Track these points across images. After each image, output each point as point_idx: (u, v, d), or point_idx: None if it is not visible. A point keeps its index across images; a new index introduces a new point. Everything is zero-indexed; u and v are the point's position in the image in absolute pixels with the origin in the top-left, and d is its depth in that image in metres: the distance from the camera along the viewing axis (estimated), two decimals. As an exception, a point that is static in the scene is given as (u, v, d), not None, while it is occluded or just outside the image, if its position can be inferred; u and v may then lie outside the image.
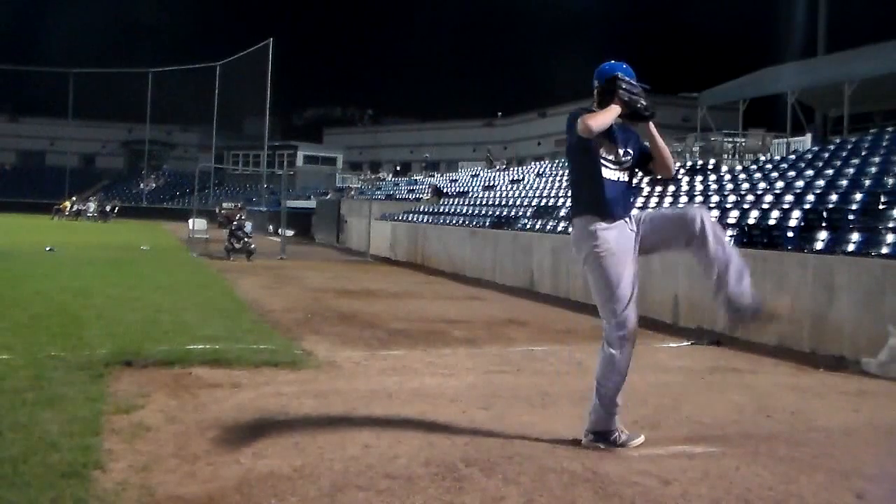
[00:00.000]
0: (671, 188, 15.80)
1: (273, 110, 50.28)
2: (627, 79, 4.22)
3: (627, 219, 4.19)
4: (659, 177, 4.30)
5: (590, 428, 4.23)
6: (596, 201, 4.14)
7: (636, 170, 4.42)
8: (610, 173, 4.19)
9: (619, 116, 4.18)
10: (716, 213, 12.08)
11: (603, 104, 4.20)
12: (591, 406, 4.23)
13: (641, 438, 4.26)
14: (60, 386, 5.06)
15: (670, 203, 14.17)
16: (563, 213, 16.86)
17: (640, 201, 15.14)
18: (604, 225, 4.10)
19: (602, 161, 4.18)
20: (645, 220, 4.25)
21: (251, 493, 3.39)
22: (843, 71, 23.14)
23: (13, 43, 64.29)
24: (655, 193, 15.58)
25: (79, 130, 61.87)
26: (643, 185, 17.40)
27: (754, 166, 16.62)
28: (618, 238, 4.11)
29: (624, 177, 4.26)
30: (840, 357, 7.52)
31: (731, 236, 10.68)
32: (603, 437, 4.19)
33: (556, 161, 32.01)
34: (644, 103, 4.21)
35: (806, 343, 8.07)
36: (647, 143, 4.37)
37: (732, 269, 4.07)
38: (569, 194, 18.53)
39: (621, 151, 4.24)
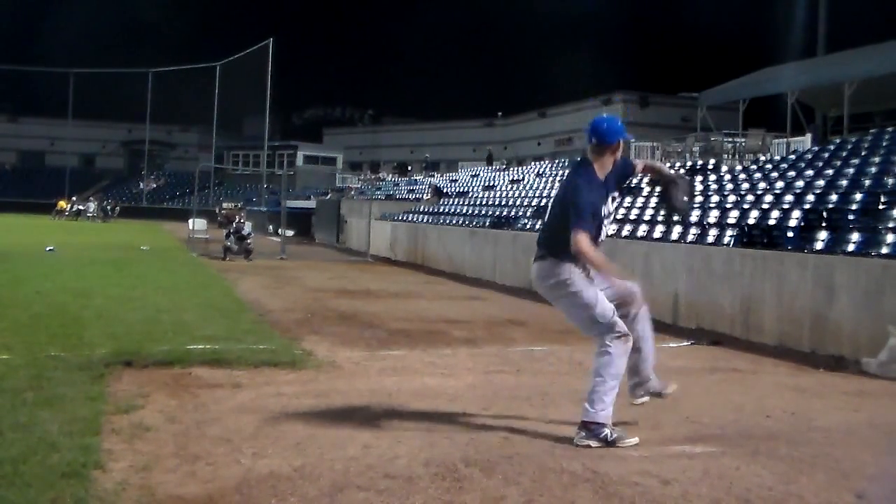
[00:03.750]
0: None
1: (273, 110, 50.28)
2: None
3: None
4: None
5: (583, 422, 4.28)
6: (574, 255, 4.32)
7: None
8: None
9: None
10: (716, 212, 12.09)
11: (601, 162, 4.45)
12: (584, 404, 4.30)
13: (636, 440, 4.29)
14: (60, 386, 5.06)
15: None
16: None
17: (639, 202, 15.14)
18: (574, 266, 4.39)
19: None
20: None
21: (251, 493, 3.39)
22: (843, 71, 23.13)
23: (13, 43, 64.20)
24: (655, 194, 15.57)
25: (79, 130, 61.82)
26: (643, 185, 17.39)
27: (754, 166, 16.61)
28: (582, 271, 4.40)
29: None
30: (840, 357, 7.52)
31: (731, 236, 10.70)
32: (594, 433, 4.22)
33: (556, 161, 32.01)
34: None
35: (806, 343, 8.08)
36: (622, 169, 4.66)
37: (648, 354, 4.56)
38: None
39: (609, 207, 4.51)
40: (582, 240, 4.20)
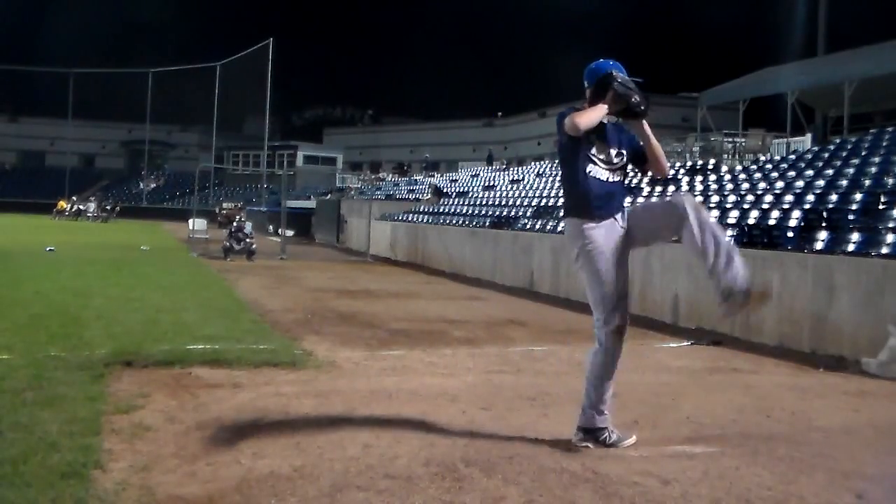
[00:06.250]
0: (671, 188, 15.80)
1: (273, 110, 50.26)
2: (621, 75, 4.24)
3: (617, 216, 4.21)
4: (655, 175, 4.40)
5: (579, 426, 4.24)
6: (584, 202, 4.19)
7: (630, 169, 4.47)
8: (600, 173, 4.21)
9: (612, 113, 4.21)
10: (716, 212, 12.08)
11: (595, 103, 4.20)
12: (582, 404, 4.25)
13: (633, 439, 4.25)
14: (60, 386, 5.06)
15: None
16: (562, 213, 16.86)
17: (640, 201, 15.14)
18: (592, 224, 4.15)
19: (592, 161, 4.20)
20: (632, 215, 4.28)
21: (251, 493, 3.39)
22: (843, 71, 23.13)
23: (13, 43, 64.31)
24: (656, 193, 15.58)
25: (79, 130, 61.81)
26: (643, 185, 17.40)
27: (754, 166, 16.61)
28: (606, 236, 4.15)
29: (615, 177, 4.26)
30: (840, 357, 7.52)
31: (731, 236, 10.69)
32: (592, 435, 4.19)
33: (556, 161, 31.98)
34: (638, 98, 4.20)
35: (806, 343, 8.07)
36: (641, 143, 4.36)
37: (722, 253, 4.00)
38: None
39: (613, 152, 4.26)
40: (570, 119, 4.02)
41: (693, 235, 4.01)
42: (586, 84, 4.32)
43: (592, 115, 4.08)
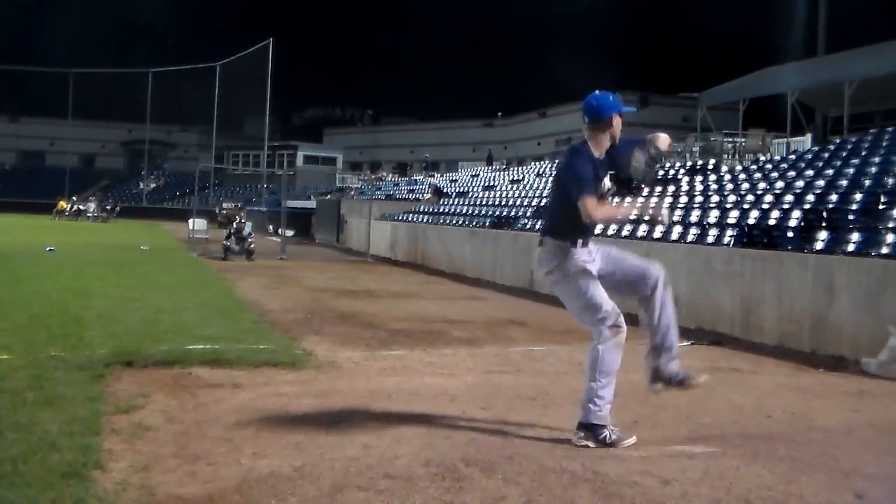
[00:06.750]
0: (671, 188, 15.80)
1: (273, 110, 50.23)
2: (645, 152, 4.32)
3: (590, 245, 4.42)
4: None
5: (579, 421, 4.27)
6: (571, 233, 4.34)
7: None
8: None
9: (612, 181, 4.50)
10: (716, 213, 12.09)
11: (596, 139, 4.34)
12: (581, 403, 4.28)
13: (633, 439, 4.28)
14: (60, 386, 5.06)
15: (670, 203, 14.16)
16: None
17: (639, 202, 15.12)
18: (572, 249, 4.33)
19: None
20: (609, 259, 4.44)
21: (251, 493, 3.39)
22: (843, 71, 23.13)
23: (13, 43, 64.24)
24: (656, 194, 15.57)
25: (79, 130, 61.77)
26: (643, 185, 17.38)
27: (754, 166, 16.62)
28: (583, 257, 4.35)
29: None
30: (840, 357, 7.52)
31: (731, 236, 10.69)
32: (592, 433, 4.21)
33: (556, 161, 31.99)
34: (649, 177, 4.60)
35: (806, 343, 8.08)
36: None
37: (669, 342, 4.36)
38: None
39: (606, 186, 4.45)
40: (590, 205, 4.16)
41: (654, 311, 4.32)
42: (586, 119, 4.41)
43: (615, 217, 4.37)
